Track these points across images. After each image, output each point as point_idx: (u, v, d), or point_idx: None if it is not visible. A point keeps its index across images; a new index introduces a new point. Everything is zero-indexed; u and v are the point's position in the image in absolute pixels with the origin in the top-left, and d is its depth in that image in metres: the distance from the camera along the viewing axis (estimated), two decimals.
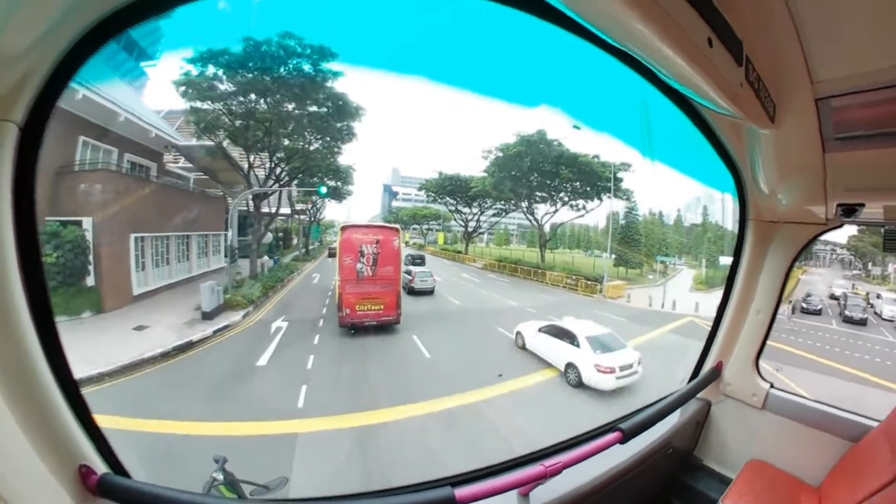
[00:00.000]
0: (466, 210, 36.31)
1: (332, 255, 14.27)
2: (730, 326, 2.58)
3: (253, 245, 17.68)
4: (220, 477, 2.00)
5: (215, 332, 10.95)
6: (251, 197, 17.39)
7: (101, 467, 1.15)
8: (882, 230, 2.20)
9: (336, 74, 17.00)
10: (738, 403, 2.59)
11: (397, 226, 14.69)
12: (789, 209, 2.20)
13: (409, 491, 1.50)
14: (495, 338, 12.04)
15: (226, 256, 15.54)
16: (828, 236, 2.26)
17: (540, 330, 9.45)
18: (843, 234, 26.53)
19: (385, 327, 12.10)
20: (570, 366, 8.07)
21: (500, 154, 27.01)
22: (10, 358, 0.95)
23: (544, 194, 27.32)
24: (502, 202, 31.58)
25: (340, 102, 17.80)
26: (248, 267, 17.56)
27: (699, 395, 2.63)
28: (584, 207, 26.60)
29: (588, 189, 25.45)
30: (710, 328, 2.76)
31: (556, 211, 27.50)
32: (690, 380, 2.68)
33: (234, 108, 15.23)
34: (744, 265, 2.48)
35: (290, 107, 16.48)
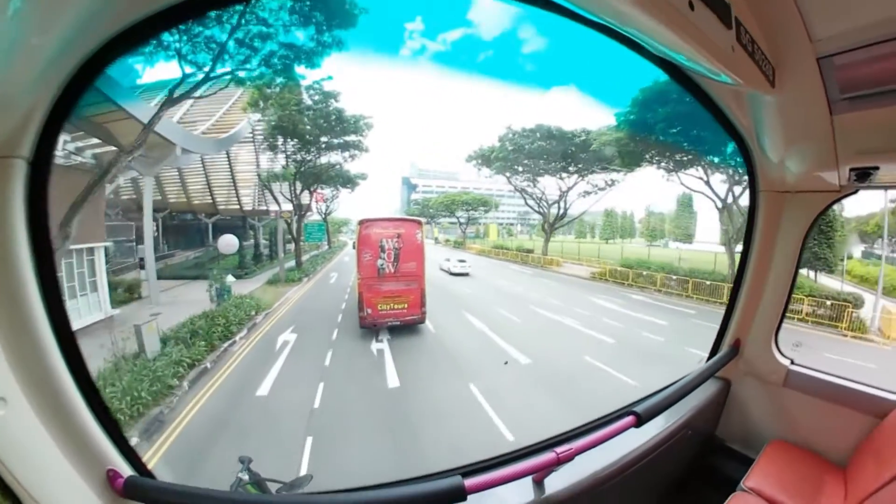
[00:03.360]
0: (541, 188, 28.19)
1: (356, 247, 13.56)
2: (746, 302, 2.77)
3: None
4: (246, 476, 2.31)
5: None
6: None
7: (126, 470, 1.37)
8: None
9: None
10: (759, 381, 2.80)
11: (420, 218, 15.36)
12: (800, 177, 2.36)
13: (419, 481, 1.70)
14: None
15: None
16: None
17: (445, 259, 26.40)
18: None
19: None
20: (448, 267, 25.51)
21: None
22: (37, 371, 1.15)
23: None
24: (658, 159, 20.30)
25: None
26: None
27: (718, 375, 2.82)
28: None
29: None
30: None
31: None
32: (708, 359, 2.89)
33: None
34: (757, 238, 2.66)
35: None
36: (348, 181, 25.13)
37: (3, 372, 1.08)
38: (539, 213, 30.03)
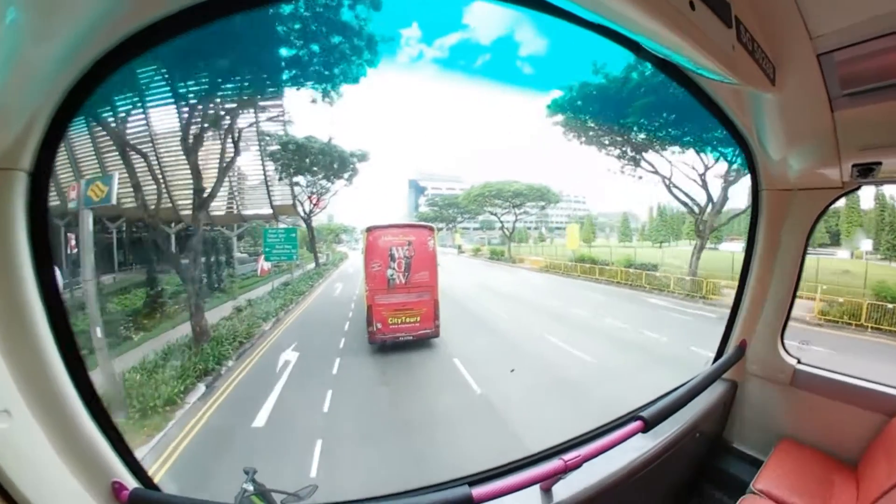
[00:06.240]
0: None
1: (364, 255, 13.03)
2: (751, 302, 2.79)
3: None
4: (251, 487, 2.32)
5: None
6: None
7: (131, 482, 1.39)
8: None
9: None
10: (766, 382, 2.81)
11: (431, 224, 14.69)
12: (802, 175, 2.38)
13: (426, 492, 1.72)
14: None
15: None
16: None
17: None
18: None
19: None
20: None
21: None
22: (41, 384, 1.17)
23: None
24: None
25: None
26: None
27: (724, 376, 2.84)
28: None
29: None
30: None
31: None
32: (714, 361, 2.90)
33: None
34: (761, 238, 2.68)
35: None
36: (342, 164, 17.00)
37: (6, 384, 1.09)
38: (687, 205, 19.59)
